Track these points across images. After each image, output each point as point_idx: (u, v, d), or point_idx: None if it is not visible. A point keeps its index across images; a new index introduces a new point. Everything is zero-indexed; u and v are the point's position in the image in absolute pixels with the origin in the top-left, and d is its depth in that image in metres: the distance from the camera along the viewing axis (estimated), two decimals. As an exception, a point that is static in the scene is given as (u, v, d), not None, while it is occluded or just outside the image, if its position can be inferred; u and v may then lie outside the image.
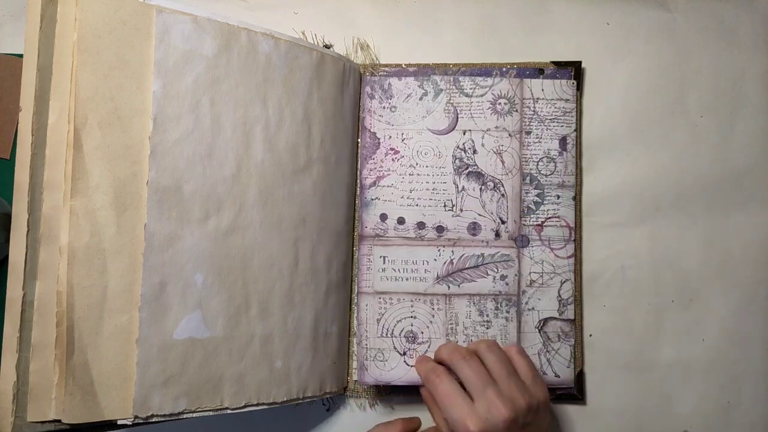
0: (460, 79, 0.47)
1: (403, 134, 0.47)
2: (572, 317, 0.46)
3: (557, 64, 0.48)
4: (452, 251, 0.46)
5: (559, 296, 0.46)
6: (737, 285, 0.47)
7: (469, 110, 0.47)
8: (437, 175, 0.46)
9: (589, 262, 0.48)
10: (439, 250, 0.46)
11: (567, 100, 0.47)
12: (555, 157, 0.47)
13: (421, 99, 0.47)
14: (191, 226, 0.38)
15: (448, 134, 0.46)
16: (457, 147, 0.46)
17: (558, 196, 0.47)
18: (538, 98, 0.47)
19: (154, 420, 0.36)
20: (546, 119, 0.47)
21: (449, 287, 0.46)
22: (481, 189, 0.46)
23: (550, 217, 0.46)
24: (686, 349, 0.47)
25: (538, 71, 0.48)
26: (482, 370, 0.38)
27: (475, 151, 0.46)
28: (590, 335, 0.47)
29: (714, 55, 0.48)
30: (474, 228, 0.46)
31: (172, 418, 0.37)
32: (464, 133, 0.46)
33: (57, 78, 0.35)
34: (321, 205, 0.44)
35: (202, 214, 0.38)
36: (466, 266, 0.46)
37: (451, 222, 0.46)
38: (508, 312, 0.46)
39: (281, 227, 0.41)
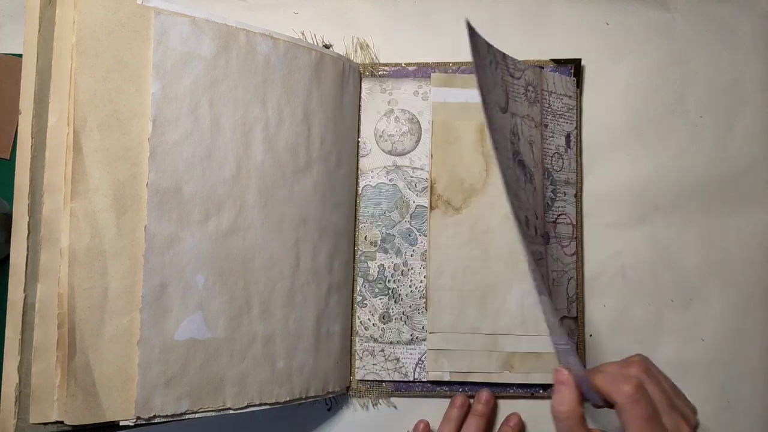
0: (506, 55, 0.40)
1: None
2: (576, 315, 0.46)
3: (557, 61, 0.48)
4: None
5: (567, 294, 0.46)
6: (736, 284, 0.47)
7: (513, 92, 0.41)
8: (507, 158, 0.38)
9: (589, 262, 0.48)
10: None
11: (570, 97, 0.47)
12: (562, 153, 0.47)
13: (489, 65, 0.36)
14: (191, 228, 0.38)
15: (505, 114, 0.38)
16: (510, 130, 0.39)
17: (565, 193, 0.47)
18: (551, 91, 0.46)
19: (156, 421, 0.36)
20: (556, 114, 0.46)
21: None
22: (525, 180, 0.39)
23: (560, 215, 0.46)
24: (686, 349, 0.47)
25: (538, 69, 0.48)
26: (664, 389, 0.35)
27: (518, 138, 0.39)
28: (590, 335, 0.47)
29: (713, 55, 0.48)
30: (527, 222, 0.39)
31: (174, 419, 0.37)
32: (512, 116, 0.39)
33: (56, 80, 0.35)
34: (321, 204, 0.44)
35: (203, 215, 0.38)
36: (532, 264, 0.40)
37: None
38: None
39: (282, 228, 0.41)
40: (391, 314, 0.47)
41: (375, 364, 0.47)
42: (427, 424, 0.46)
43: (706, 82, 0.48)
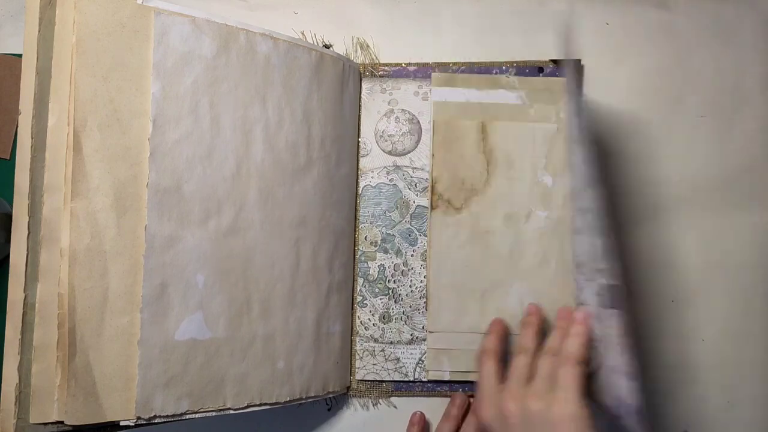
0: None
1: None
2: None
3: (556, 62, 0.48)
4: None
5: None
6: (737, 285, 0.47)
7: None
8: None
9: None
10: None
11: None
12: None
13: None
14: (192, 227, 0.38)
15: None
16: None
17: None
18: None
19: (156, 421, 0.36)
20: None
21: None
22: None
23: None
24: (686, 349, 0.47)
25: (537, 69, 0.48)
26: (526, 367, 0.40)
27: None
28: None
29: (714, 55, 0.48)
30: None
31: (174, 419, 0.37)
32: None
33: (56, 81, 0.35)
34: (322, 204, 0.44)
35: (203, 214, 0.38)
36: None
37: None
38: None
39: (282, 227, 0.41)
40: (392, 314, 0.47)
41: (375, 364, 0.47)
42: (422, 416, 0.46)
43: (707, 83, 0.48)
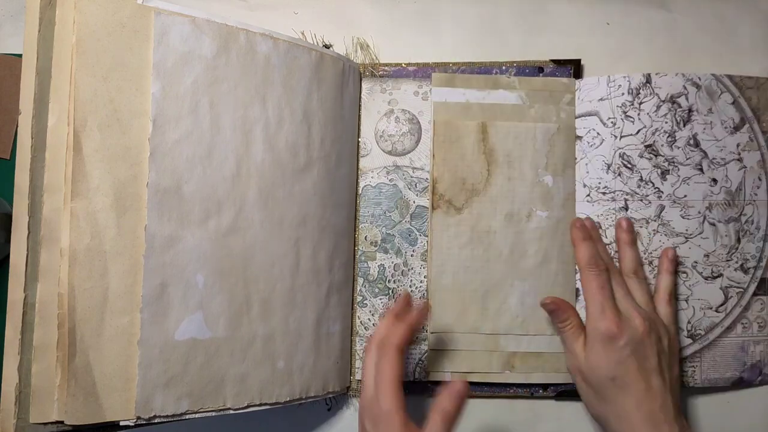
0: None
1: None
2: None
3: (556, 62, 0.48)
4: None
5: None
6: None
7: None
8: None
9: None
10: None
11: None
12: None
13: None
14: (192, 227, 0.38)
15: None
16: None
17: None
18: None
19: (156, 421, 0.36)
20: None
21: None
22: None
23: None
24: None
25: (537, 69, 0.48)
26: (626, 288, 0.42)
27: None
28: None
29: (714, 55, 0.48)
30: None
31: (174, 419, 0.37)
32: None
33: (56, 81, 0.35)
34: (321, 204, 0.44)
35: (203, 214, 0.38)
36: None
37: None
38: None
39: (282, 227, 0.41)
40: (392, 314, 0.47)
41: (375, 364, 0.46)
42: (409, 295, 0.42)
43: (707, 82, 0.48)
